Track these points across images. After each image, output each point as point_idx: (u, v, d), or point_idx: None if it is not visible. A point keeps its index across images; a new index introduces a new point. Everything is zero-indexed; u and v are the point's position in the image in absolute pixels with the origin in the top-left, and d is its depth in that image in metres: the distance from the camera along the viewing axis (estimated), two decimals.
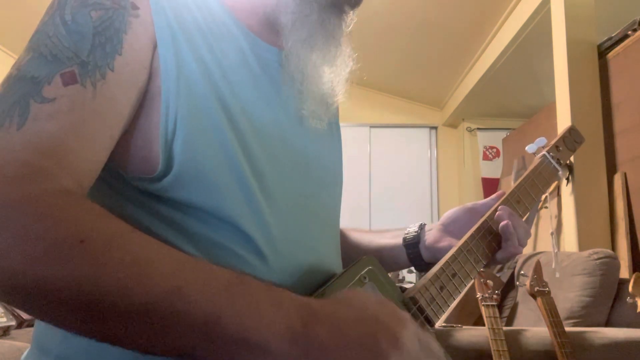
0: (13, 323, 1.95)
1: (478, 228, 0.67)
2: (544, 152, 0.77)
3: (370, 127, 4.71)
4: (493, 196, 0.73)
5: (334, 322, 0.42)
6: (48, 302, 0.38)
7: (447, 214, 0.74)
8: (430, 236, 0.72)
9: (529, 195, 0.73)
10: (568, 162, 0.79)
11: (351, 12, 0.64)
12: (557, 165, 0.77)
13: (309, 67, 0.60)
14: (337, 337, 0.41)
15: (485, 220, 0.68)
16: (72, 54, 0.46)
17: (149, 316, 0.38)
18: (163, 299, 0.38)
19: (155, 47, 0.51)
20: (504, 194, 0.72)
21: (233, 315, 0.40)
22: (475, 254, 0.65)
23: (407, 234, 0.74)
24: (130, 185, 0.51)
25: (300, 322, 0.41)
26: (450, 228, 0.72)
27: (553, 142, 0.79)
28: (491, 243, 0.67)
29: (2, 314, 1.94)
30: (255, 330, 0.40)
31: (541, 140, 0.78)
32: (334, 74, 0.64)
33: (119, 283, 0.38)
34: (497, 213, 0.68)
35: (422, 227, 0.74)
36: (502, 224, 0.67)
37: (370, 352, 0.41)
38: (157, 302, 0.38)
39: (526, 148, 0.79)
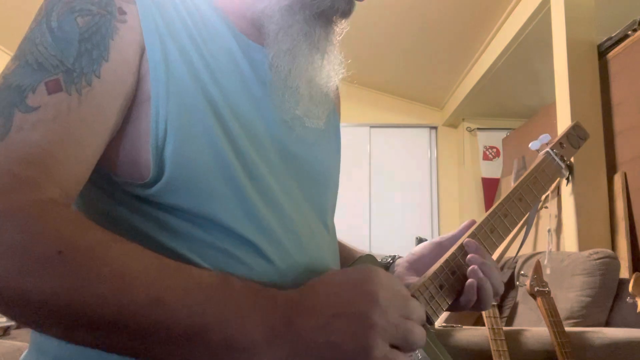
0: (13, 323, 1.95)
1: (479, 227, 0.67)
2: (547, 149, 0.77)
3: (370, 127, 4.71)
4: (461, 227, 0.69)
5: (314, 306, 0.43)
6: (30, 312, 0.39)
7: (415, 249, 0.71)
8: (395, 275, 0.69)
9: (531, 193, 0.72)
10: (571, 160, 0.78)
11: (341, 21, 0.63)
12: (560, 162, 0.76)
13: (297, 72, 0.59)
14: (319, 319, 0.42)
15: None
16: (57, 62, 0.46)
17: (129, 327, 0.39)
18: (143, 310, 0.39)
19: (143, 52, 0.51)
20: (474, 222, 0.68)
21: (215, 322, 0.40)
22: None
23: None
24: (123, 189, 0.51)
25: (283, 320, 0.42)
26: (416, 265, 0.69)
27: (557, 139, 0.78)
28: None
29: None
30: (239, 335, 0.40)
31: (545, 137, 0.78)
32: (324, 79, 0.64)
33: (98, 296, 0.38)
34: (468, 257, 0.62)
35: (394, 259, 0.72)
36: (470, 269, 0.61)
37: (353, 318, 0.42)
38: (136, 314, 0.38)
39: (529, 145, 0.79)
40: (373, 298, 0.42)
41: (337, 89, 0.73)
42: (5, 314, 0.40)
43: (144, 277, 0.40)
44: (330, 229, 0.65)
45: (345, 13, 0.61)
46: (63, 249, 0.38)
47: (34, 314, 0.39)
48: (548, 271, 1.81)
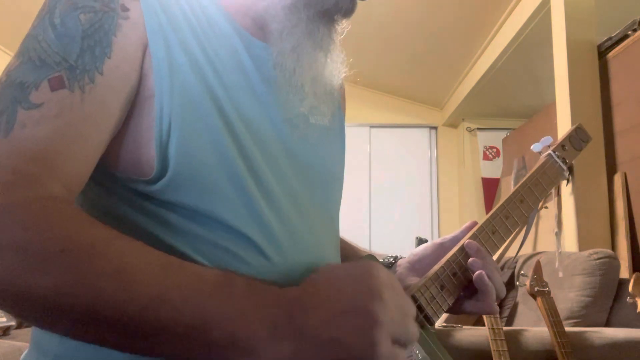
0: (13, 323, 1.95)
1: (480, 228, 0.67)
2: (549, 151, 0.76)
3: (370, 127, 4.71)
4: (463, 228, 0.69)
5: (317, 302, 0.42)
6: (33, 309, 0.39)
7: (416, 250, 0.71)
8: (396, 276, 0.69)
9: (532, 195, 0.72)
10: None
11: (342, 20, 0.63)
12: (562, 165, 0.76)
13: (302, 71, 0.60)
14: (323, 316, 0.41)
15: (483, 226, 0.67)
16: (60, 59, 0.46)
17: (132, 324, 0.39)
18: (146, 307, 0.39)
19: (146, 48, 0.51)
20: (475, 224, 0.68)
21: (218, 319, 0.40)
22: None
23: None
24: (124, 186, 0.51)
25: (286, 316, 0.41)
26: (417, 266, 0.69)
27: (559, 141, 0.78)
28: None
29: (2, 314, 1.94)
30: (242, 332, 0.40)
31: (547, 139, 0.77)
32: (329, 77, 0.64)
33: (100, 292, 0.38)
34: (470, 261, 0.62)
35: (396, 259, 0.71)
36: (475, 274, 0.60)
37: (358, 314, 0.41)
38: (140, 311, 0.38)
39: (532, 147, 0.78)
40: (377, 294, 0.42)
41: (342, 86, 0.73)
42: (10, 310, 0.40)
43: (147, 274, 0.40)
44: (334, 227, 0.65)
45: (348, 12, 0.62)
46: (65, 246, 0.39)
47: (38, 310, 0.39)
48: (561, 274, 1.80)
